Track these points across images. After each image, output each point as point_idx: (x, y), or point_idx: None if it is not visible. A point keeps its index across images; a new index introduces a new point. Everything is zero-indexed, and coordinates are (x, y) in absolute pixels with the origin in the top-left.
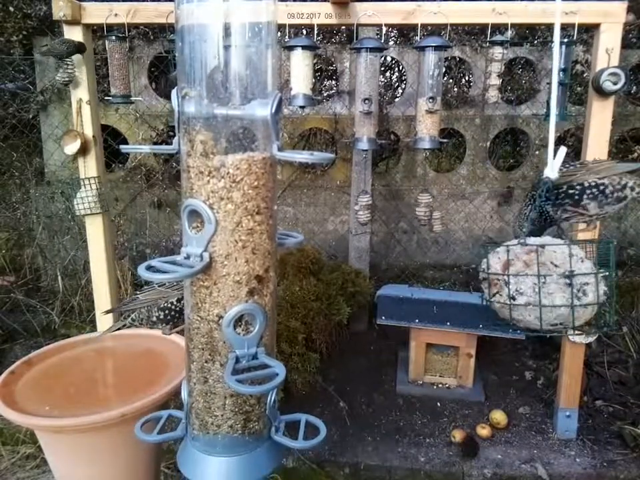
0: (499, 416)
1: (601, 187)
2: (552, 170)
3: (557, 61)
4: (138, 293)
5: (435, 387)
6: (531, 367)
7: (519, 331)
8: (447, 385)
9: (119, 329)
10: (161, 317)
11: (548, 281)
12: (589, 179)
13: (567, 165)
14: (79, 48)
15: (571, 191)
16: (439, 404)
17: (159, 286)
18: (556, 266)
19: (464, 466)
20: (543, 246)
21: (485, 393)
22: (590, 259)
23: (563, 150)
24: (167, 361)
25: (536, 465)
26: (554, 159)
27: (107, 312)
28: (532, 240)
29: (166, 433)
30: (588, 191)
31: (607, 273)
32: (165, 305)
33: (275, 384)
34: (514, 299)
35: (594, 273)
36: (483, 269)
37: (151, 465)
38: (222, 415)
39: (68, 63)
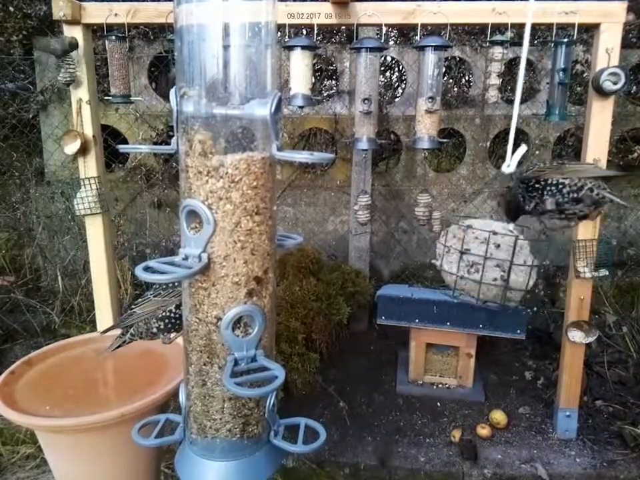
0: (498, 416)
1: (560, 186)
2: (507, 166)
3: (525, 58)
4: (134, 306)
5: (435, 386)
6: (531, 367)
7: (518, 331)
8: (447, 385)
9: (119, 346)
10: (161, 326)
11: (451, 251)
12: (554, 177)
13: (545, 163)
14: (70, 44)
15: (537, 186)
16: (438, 404)
17: (154, 296)
18: (464, 243)
19: (464, 466)
20: (468, 226)
21: (485, 392)
22: (503, 248)
23: (522, 148)
24: (167, 360)
25: (536, 465)
26: (512, 155)
27: (106, 331)
28: (467, 220)
29: (164, 437)
30: (548, 188)
31: (508, 264)
32: (164, 314)
33: (274, 387)
34: (435, 259)
35: (482, 256)
36: None
37: (151, 464)
38: (220, 419)
39: (69, 62)
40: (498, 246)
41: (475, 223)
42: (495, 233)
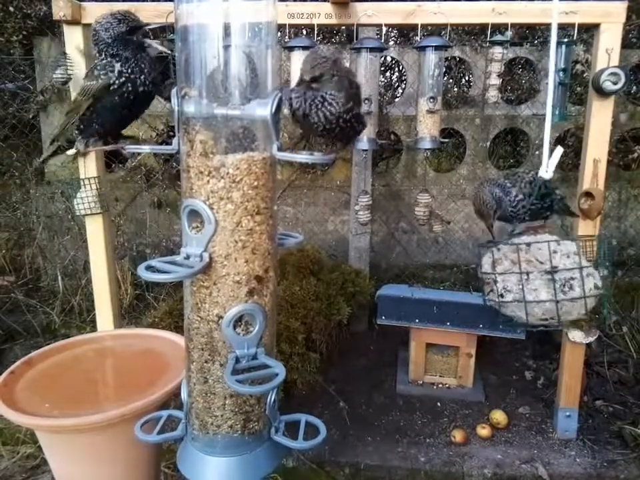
0: (499, 416)
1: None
2: (546, 171)
3: (553, 59)
4: None
5: (435, 387)
6: (531, 366)
7: (519, 331)
8: (447, 385)
9: None
10: None
11: (531, 277)
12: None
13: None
14: None
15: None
16: (439, 404)
17: None
18: (541, 262)
19: (464, 466)
20: (529, 244)
21: (485, 393)
22: (579, 255)
23: (559, 150)
24: (167, 361)
25: (536, 465)
26: (549, 158)
27: None
28: (519, 238)
29: (166, 433)
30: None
31: (592, 268)
32: None
33: (274, 384)
34: (502, 296)
35: (578, 268)
36: (479, 268)
37: (151, 464)
38: (222, 415)
39: (67, 62)
40: (568, 255)
41: (529, 239)
42: (558, 242)
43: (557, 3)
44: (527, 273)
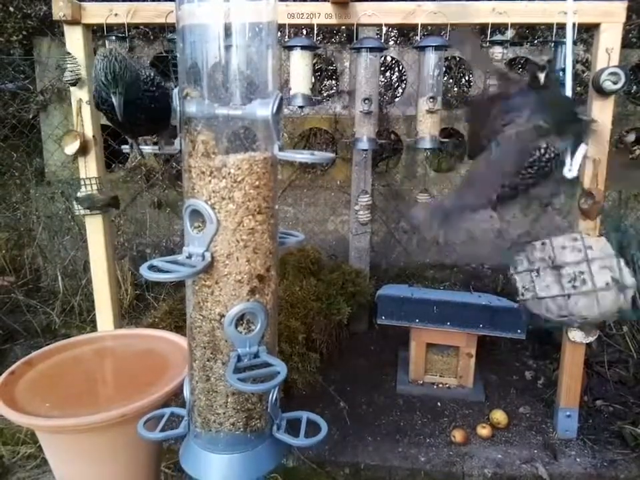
0: (499, 416)
1: None
2: (569, 170)
3: (570, 57)
4: None
5: (435, 386)
6: (531, 366)
7: (518, 331)
8: (447, 385)
9: None
10: None
11: (542, 274)
12: None
13: None
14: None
15: None
16: (439, 404)
17: None
18: (552, 260)
19: (464, 466)
20: (544, 242)
21: (485, 392)
22: (592, 249)
23: (583, 147)
24: (167, 361)
25: (536, 464)
26: (572, 157)
27: None
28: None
29: (168, 431)
30: None
31: (610, 261)
32: None
33: (276, 382)
34: (523, 295)
35: (585, 261)
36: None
37: (151, 464)
38: (224, 413)
39: (73, 62)
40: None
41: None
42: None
43: (572, 3)
44: (537, 270)
